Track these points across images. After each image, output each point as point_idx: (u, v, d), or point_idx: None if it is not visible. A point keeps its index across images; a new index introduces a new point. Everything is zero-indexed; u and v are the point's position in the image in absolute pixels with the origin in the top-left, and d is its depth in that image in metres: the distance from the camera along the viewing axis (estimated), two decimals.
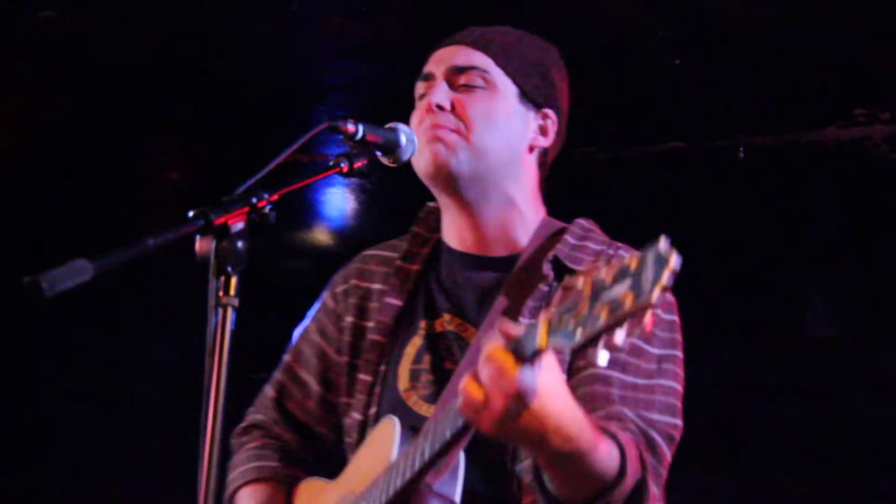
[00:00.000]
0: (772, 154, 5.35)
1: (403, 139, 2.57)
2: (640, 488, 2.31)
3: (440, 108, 2.66)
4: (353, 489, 2.57)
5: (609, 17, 4.57)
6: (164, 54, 5.09)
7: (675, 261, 1.77)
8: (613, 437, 2.26)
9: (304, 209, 6.25)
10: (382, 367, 2.70)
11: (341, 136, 2.50)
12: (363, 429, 2.68)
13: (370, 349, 2.72)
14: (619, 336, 1.83)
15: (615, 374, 2.45)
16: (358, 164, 2.45)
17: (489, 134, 2.65)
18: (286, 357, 2.96)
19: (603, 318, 1.83)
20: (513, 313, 2.56)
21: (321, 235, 6.59)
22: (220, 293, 2.03)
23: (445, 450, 2.28)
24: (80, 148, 5.81)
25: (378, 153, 2.59)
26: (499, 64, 2.70)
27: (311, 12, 4.73)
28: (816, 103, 5.07)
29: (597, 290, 1.87)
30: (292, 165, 2.25)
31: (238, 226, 2.07)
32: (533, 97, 2.73)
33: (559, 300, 1.94)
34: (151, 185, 6.06)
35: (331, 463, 2.83)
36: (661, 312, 2.56)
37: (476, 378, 2.04)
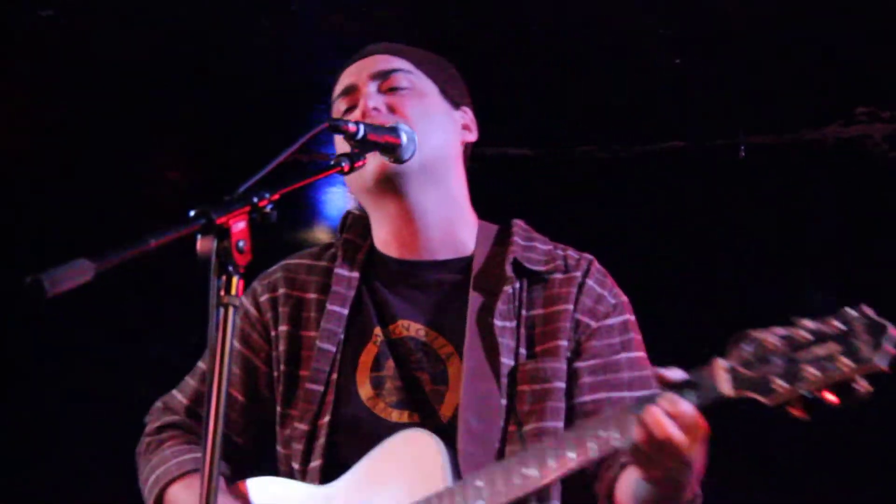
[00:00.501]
0: (772, 153, 5.35)
1: (404, 138, 2.59)
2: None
3: (377, 111, 2.66)
4: (377, 499, 2.52)
5: (609, 16, 4.56)
6: (164, 54, 5.09)
7: (892, 330, 1.88)
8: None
9: (304, 208, 6.24)
10: (334, 376, 2.66)
11: (342, 136, 2.50)
12: (311, 439, 2.63)
13: (319, 359, 2.67)
14: (830, 397, 1.92)
15: (626, 394, 2.57)
16: (359, 164, 2.45)
17: (429, 130, 2.66)
18: (201, 365, 2.88)
19: (812, 377, 1.90)
20: (486, 317, 2.58)
21: (322, 235, 6.58)
22: (222, 292, 2.02)
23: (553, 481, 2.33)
24: (80, 147, 5.80)
25: (379, 152, 2.60)
26: (417, 66, 2.74)
27: (311, 11, 4.73)
28: (817, 102, 5.07)
29: (792, 348, 1.95)
30: (293, 165, 2.24)
31: (239, 225, 2.07)
32: (451, 96, 2.77)
33: (737, 351, 2.03)
34: (152, 184, 6.05)
35: (245, 473, 2.74)
36: (632, 315, 2.67)
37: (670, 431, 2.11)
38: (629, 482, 2.40)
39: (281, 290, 2.79)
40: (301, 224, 6.42)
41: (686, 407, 2.10)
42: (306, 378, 2.68)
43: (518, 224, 2.76)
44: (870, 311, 1.90)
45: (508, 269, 2.62)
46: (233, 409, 2.76)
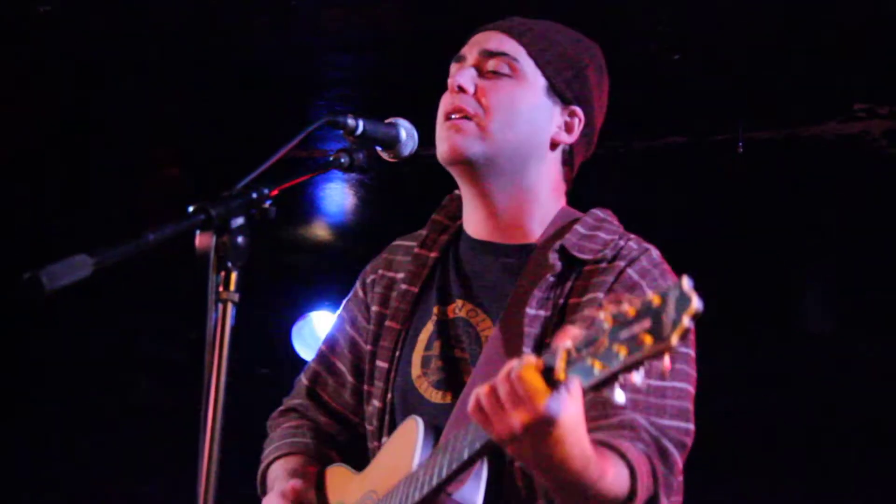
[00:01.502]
0: (771, 149, 5.35)
1: (403, 134, 2.57)
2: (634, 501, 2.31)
3: (462, 90, 2.63)
4: (375, 489, 2.57)
5: (608, 12, 4.56)
6: (163, 50, 5.09)
7: (696, 304, 1.77)
8: (623, 457, 2.28)
9: (303, 205, 6.24)
10: (397, 353, 2.70)
11: (341, 132, 2.49)
12: (382, 416, 2.68)
13: (386, 336, 2.72)
14: (637, 377, 1.84)
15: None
16: (358, 160, 2.45)
17: (507, 123, 2.62)
18: (322, 346, 2.96)
19: (622, 357, 1.83)
20: (521, 303, 2.55)
21: (321, 231, 6.58)
22: (221, 288, 2.02)
23: (463, 468, 2.28)
24: (79, 143, 5.81)
25: (378, 148, 2.59)
26: (531, 54, 2.66)
27: (310, 7, 4.72)
28: (816, 98, 5.07)
29: (618, 326, 1.86)
30: (291, 161, 2.24)
31: (238, 221, 2.06)
32: (562, 92, 2.69)
33: (581, 329, 1.94)
34: (151, 180, 6.05)
35: (363, 450, 2.81)
36: None
37: (495, 389, 2.05)
38: None
39: (380, 271, 2.84)
40: (300, 220, 6.42)
41: (515, 367, 2.02)
42: (378, 356, 2.73)
43: (593, 212, 2.70)
44: (685, 283, 1.79)
45: (553, 257, 2.56)
46: (345, 388, 2.85)
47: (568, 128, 2.71)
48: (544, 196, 2.70)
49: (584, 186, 6.01)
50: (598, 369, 1.87)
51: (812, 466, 6.34)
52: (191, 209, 2.05)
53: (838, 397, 6.21)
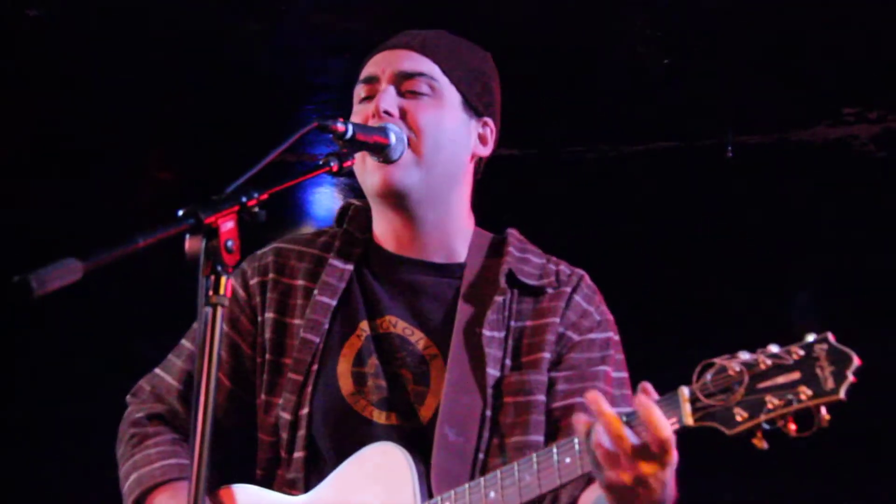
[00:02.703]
0: (760, 152, 5.36)
1: (393, 138, 2.58)
2: None
3: (388, 114, 2.61)
4: None
5: (598, 17, 4.57)
6: (154, 55, 5.08)
7: (856, 359, 1.88)
8: None
9: (292, 209, 6.23)
10: (314, 367, 2.63)
11: (330, 136, 2.49)
12: (294, 430, 2.61)
13: (301, 348, 2.65)
14: (791, 427, 1.91)
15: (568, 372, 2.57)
16: (347, 164, 2.45)
17: (437, 144, 2.62)
18: (187, 344, 2.83)
19: (773, 406, 1.90)
20: (474, 327, 2.58)
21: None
22: (210, 292, 2.02)
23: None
24: (69, 147, 5.79)
25: (367, 152, 2.59)
26: (444, 71, 2.67)
27: (300, 11, 4.72)
28: (805, 103, 5.08)
29: (754, 377, 1.93)
30: (280, 165, 2.24)
31: (228, 225, 2.06)
32: (475, 105, 2.71)
33: (700, 379, 2.00)
34: (143, 185, 6.04)
35: (224, 453, 2.68)
36: (615, 335, 2.66)
37: (626, 438, 2.06)
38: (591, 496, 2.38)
39: (270, 275, 2.75)
40: (289, 224, 6.41)
41: (659, 416, 2.05)
42: (289, 367, 2.65)
43: (513, 234, 2.75)
44: (833, 339, 1.89)
45: (502, 281, 2.61)
46: (219, 392, 2.69)
47: (482, 140, 2.74)
48: (462, 213, 2.73)
49: (572, 191, 6.03)
50: (741, 416, 1.94)
51: (795, 463, 6.35)
52: (180, 213, 2.04)
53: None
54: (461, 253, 2.70)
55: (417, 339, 2.63)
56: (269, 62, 5.12)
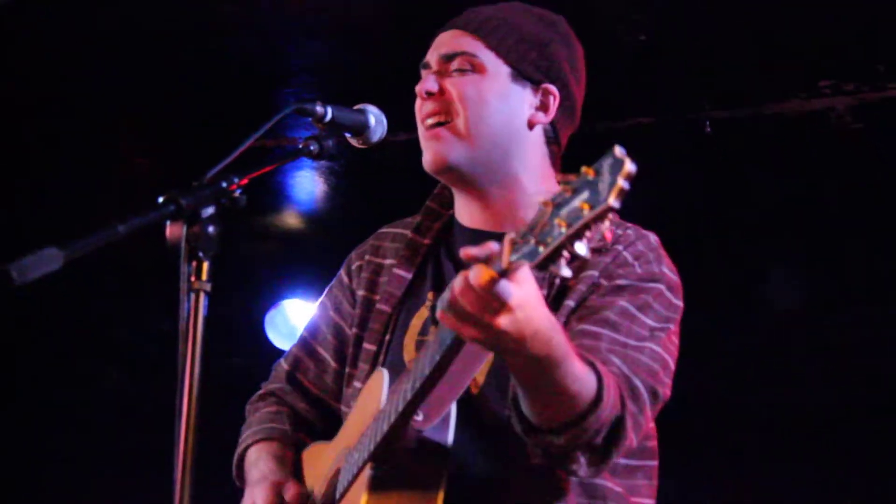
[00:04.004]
0: (738, 126, 5.37)
1: (372, 120, 2.59)
2: (618, 426, 2.32)
3: (430, 94, 2.67)
4: (348, 444, 2.59)
5: None
6: (129, 38, 5.05)
7: (629, 166, 1.79)
8: (591, 365, 2.28)
9: (272, 193, 6.23)
10: (387, 337, 2.71)
11: (309, 119, 2.49)
12: None
13: (376, 319, 2.74)
14: (582, 248, 1.85)
15: (605, 331, 2.45)
16: (327, 147, 2.45)
17: (479, 116, 2.65)
18: (304, 332, 2.97)
19: (563, 230, 1.84)
20: None
21: (291, 219, 6.57)
22: (192, 278, 2.02)
23: (428, 385, 2.28)
24: (47, 135, 5.77)
25: (347, 135, 2.60)
26: (489, 46, 2.68)
27: None
28: (780, 76, 5.09)
29: (557, 207, 1.87)
30: (259, 150, 2.24)
31: (208, 210, 2.06)
32: (529, 74, 2.70)
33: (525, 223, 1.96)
34: (120, 171, 6.02)
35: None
36: (666, 291, 2.57)
37: (456, 297, 2.06)
38: None
39: (367, 257, 2.86)
40: (270, 209, 6.41)
41: (473, 268, 2.03)
42: (366, 339, 2.74)
43: None
44: (617, 150, 1.81)
45: None
46: (327, 374, 2.87)
47: (543, 107, 2.73)
48: (533, 180, 2.71)
49: None
50: (542, 247, 1.89)
51: (775, 441, 6.38)
52: (160, 200, 2.04)
53: (806, 374, 6.25)
54: None
55: None
56: (246, 45, 5.10)
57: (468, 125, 2.64)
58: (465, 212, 2.75)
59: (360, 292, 2.81)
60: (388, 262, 2.81)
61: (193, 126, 5.63)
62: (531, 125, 2.72)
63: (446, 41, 2.73)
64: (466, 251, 2.07)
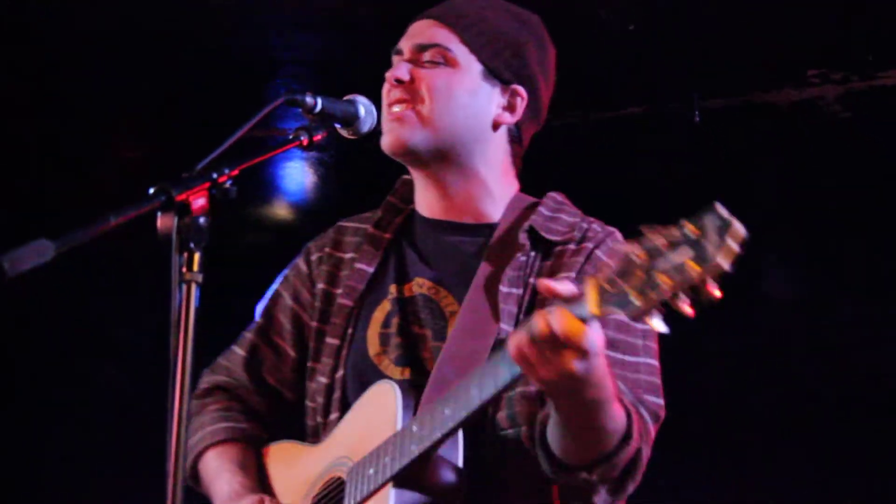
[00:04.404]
0: (727, 116, 5.37)
1: (362, 111, 2.58)
2: (637, 458, 2.38)
3: (399, 81, 2.66)
4: (348, 454, 2.56)
5: None
6: (120, 32, 5.04)
7: (739, 227, 1.84)
8: (620, 400, 2.33)
9: (263, 184, 6.22)
10: (350, 331, 2.71)
11: (299, 110, 2.49)
12: (330, 393, 2.69)
13: (338, 313, 2.73)
14: (687, 308, 1.88)
15: (607, 351, 2.43)
16: (317, 137, 2.45)
17: (447, 109, 2.65)
18: (259, 320, 2.93)
19: (666, 285, 1.87)
20: (493, 282, 2.59)
21: (281, 210, 6.56)
22: (184, 269, 2.01)
23: (473, 415, 2.31)
24: (35, 128, 5.76)
25: (337, 126, 2.60)
26: (463, 41, 2.69)
27: None
28: (770, 65, 5.09)
29: (653, 258, 1.90)
30: (249, 141, 2.24)
31: (199, 201, 2.06)
32: (500, 73, 2.71)
33: (604, 267, 1.99)
34: (108, 164, 6.01)
35: (293, 427, 2.82)
36: None
37: (535, 338, 2.10)
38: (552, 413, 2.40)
39: (327, 250, 2.85)
40: (260, 199, 6.40)
41: (558, 314, 2.08)
42: (328, 333, 2.74)
43: (550, 196, 2.76)
44: (721, 210, 1.86)
45: (522, 237, 2.62)
46: (285, 364, 2.84)
47: (510, 107, 2.73)
48: (495, 177, 2.73)
49: (541, 159, 5.99)
50: (640, 299, 1.92)
51: (767, 431, 6.37)
52: (151, 191, 2.03)
53: (803, 363, 6.25)
54: (493, 215, 2.72)
55: (441, 297, 2.66)
56: (235, 37, 5.09)
57: (433, 115, 2.64)
58: (426, 201, 2.76)
59: (320, 285, 2.80)
60: (348, 256, 2.81)
61: (184, 118, 5.62)
62: (496, 125, 2.72)
63: (421, 31, 2.73)
64: (545, 284, 2.13)
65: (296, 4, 4.81)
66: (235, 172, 2.15)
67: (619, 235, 2.65)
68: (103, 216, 1.95)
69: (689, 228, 1.86)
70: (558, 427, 2.33)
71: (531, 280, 2.58)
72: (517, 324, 2.53)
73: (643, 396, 2.48)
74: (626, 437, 2.32)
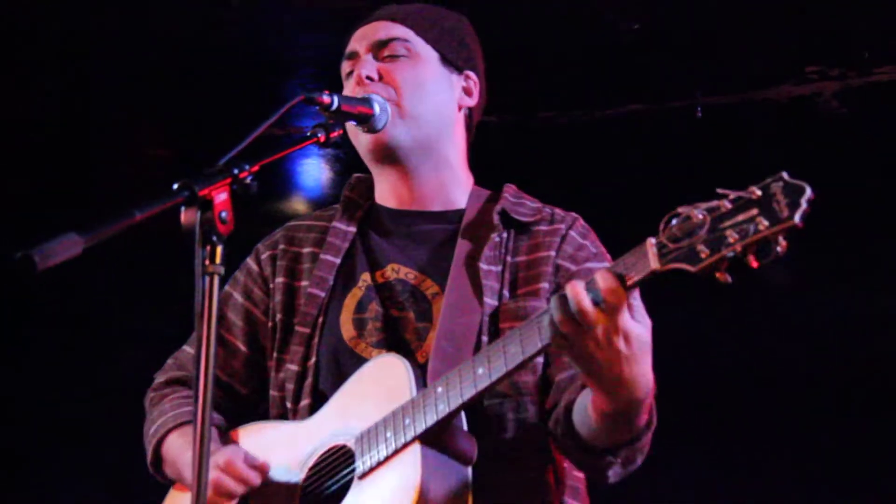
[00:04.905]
0: (728, 112, 5.37)
1: (377, 108, 2.61)
2: (651, 427, 2.40)
3: (370, 79, 2.68)
4: (352, 424, 2.55)
5: None
6: (147, 37, 5.07)
7: (810, 191, 1.90)
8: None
9: (281, 180, 6.23)
10: (321, 319, 2.70)
11: (315, 109, 2.50)
12: (301, 380, 2.68)
13: (308, 303, 2.72)
14: (753, 260, 1.94)
15: None
16: (334, 134, 2.46)
17: (419, 97, 2.69)
18: None
19: (733, 239, 1.93)
20: (472, 261, 2.62)
21: (298, 205, 6.57)
22: (207, 262, 2.02)
23: (502, 378, 2.32)
24: (69, 128, 5.78)
25: (353, 123, 2.61)
26: (418, 33, 2.74)
27: None
28: (769, 62, 5.09)
29: (717, 219, 1.96)
30: (268, 139, 2.24)
31: (221, 196, 2.06)
32: (453, 61, 2.77)
33: (666, 228, 2.03)
34: (136, 160, 6.03)
35: (247, 419, 2.79)
36: None
37: (585, 308, 2.11)
38: (579, 398, 2.40)
39: (280, 247, 2.84)
40: (277, 195, 6.41)
41: (602, 278, 2.10)
42: (297, 323, 2.73)
43: (509, 186, 2.80)
44: (787, 176, 1.93)
45: (496, 219, 2.66)
46: (236, 358, 2.82)
47: (467, 92, 2.80)
48: (459, 163, 2.80)
49: (546, 155, 6.01)
50: (707, 252, 1.97)
51: (766, 412, 6.36)
52: (175, 186, 2.04)
53: (797, 349, 6.24)
54: (459, 202, 2.76)
55: (420, 280, 2.67)
56: (255, 39, 5.10)
57: (409, 107, 2.67)
58: (392, 194, 2.78)
59: (280, 279, 2.79)
60: (306, 250, 2.81)
61: (205, 118, 5.64)
62: (459, 108, 2.79)
63: (375, 30, 2.75)
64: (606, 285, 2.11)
65: (312, 8, 4.82)
66: (255, 168, 2.16)
67: (581, 219, 2.72)
68: (129, 210, 1.95)
69: (753, 192, 1.93)
70: (588, 412, 2.32)
71: (508, 258, 2.63)
72: (500, 298, 2.58)
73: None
74: (650, 422, 2.35)
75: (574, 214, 2.73)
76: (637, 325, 2.15)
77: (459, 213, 2.74)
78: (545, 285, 2.59)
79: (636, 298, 2.36)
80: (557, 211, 2.73)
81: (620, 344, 2.14)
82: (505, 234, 2.66)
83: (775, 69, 5.12)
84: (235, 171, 2.11)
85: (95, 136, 5.78)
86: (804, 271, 6.12)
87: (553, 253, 2.62)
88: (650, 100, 5.45)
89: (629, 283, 2.09)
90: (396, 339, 2.64)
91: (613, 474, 2.45)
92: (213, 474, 2.52)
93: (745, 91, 5.28)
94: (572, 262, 2.63)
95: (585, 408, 2.33)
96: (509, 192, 2.77)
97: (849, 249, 5.98)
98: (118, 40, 5.06)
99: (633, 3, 4.70)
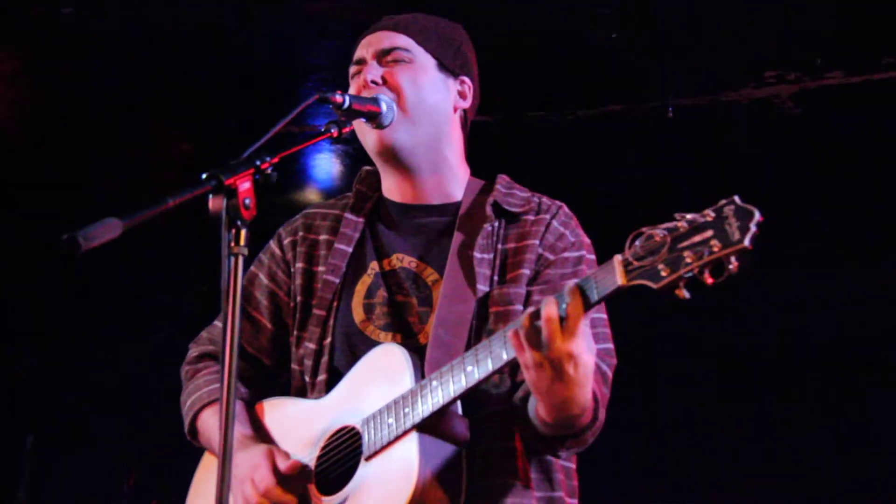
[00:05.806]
0: (696, 113, 5.38)
1: (384, 107, 2.61)
2: (599, 427, 2.45)
3: (375, 83, 2.68)
4: (358, 407, 2.55)
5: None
6: (168, 46, 5.05)
7: (757, 213, 1.91)
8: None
9: (295, 173, 6.23)
10: (335, 303, 2.71)
11: (328, 109, 2.51)
12: (318, 357, 2.69)
13: (324, 288, 2.73)
14: (709, 279, 1.96)
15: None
16: (346, 130, 2.47)
17: (418, 99, 2.68)
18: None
19: (690, 259, 1.95)
20: (467, 251, 2.63)
21: (311, 196, 6.57)
22: (232, 244, 2.01)
23: (489, 377, 2.34)
24: (104, 126, 5.78)
25: (362, 120, 2.60)
26: (418, 42, 2.74)
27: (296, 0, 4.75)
28: (733, 67, 5.09)
29: (676, 239, 1.98)
30: (285, 136, 2.25)
31: (245, 185, 2.06)
32: (450, 67, 2.76)
33: (632, 247, 2.05)
34: (168, 154, 6.03)
35: (273, 389, 2.81)
36: (590, 254, 2.67)
37: (532, 324, 2.18)
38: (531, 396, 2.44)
39: (300, 234, 2.84)
40: (293, 186, 6.41)
41: (570, 293, 2.15)
42: (315, 305, 2.73)
43: (502, 177, 2.80)
44: (739, 200, 1.94)
45: (489, 210, 2.67)
46: (262, 334, 2.83)
47: (461, 95, 2.79)
48: (456, 161, 2.78)
49: (537, 151, 5.99)
50: (665, 272, 1.99)
51: (749, 391, 6.36)
52: (203, 176, 2.04)
53: (770, 333, 6.25)
54: (457, 194, 2.76)
55: (422, 269, 2.67)
56: (272, 46, 5.10)
57: (410, 109, 2.67)
58: (397, 190, 2.77)
59: (299, 264, 2.80)
60: (322, 237, 2.81)
61: (229, 118, 5.64)
62: (456, 109, 2.78)
63: (379, 39, 2.75)
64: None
65: (324, 17, 4.82)
66: (276, 160, 2.16)
67: (565, 207, 2.72)
68: (162, 198, 1.94)
69: (707, 215, 1.95)
70: (534, 415, 2.38)
71: (499, 245, 2.63)
72: (491, 284, 2.58)
73: (601, 348, 2.55)
74: (594, 419, 2.39)
75: (559, 203, 2.73)
76: (585, 353, 2.20)
77: (457, 206, 2.74)
78: (526, 272, 2.60)
79: (588, 325, 2.37)
80: (545, 199, 2.73)
81: (570, 368, 2.20)
82: (497, 223, 2.66)
83: (739, 74, 5.13)
84: (257, 162, 2.11)
85: (135, 132, 5.80)
86: (767, 263, 6.14)
87: (537, 242, 2.62)
88: (626, 101, 5.44)
89: (598, 297, 2.13)
90: (401, 323, 2.64)
91: (563, 455, 2.51)
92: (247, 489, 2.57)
93: (712, 93, 5.29)
94: (552, 251, 2.63)
95: (535, 407, 2.38)
96: (501, 182, 2.76)
97: (799, 231, 6.00)
98: (158, 48, 5.06)
99: (612, 14, 4.69)
